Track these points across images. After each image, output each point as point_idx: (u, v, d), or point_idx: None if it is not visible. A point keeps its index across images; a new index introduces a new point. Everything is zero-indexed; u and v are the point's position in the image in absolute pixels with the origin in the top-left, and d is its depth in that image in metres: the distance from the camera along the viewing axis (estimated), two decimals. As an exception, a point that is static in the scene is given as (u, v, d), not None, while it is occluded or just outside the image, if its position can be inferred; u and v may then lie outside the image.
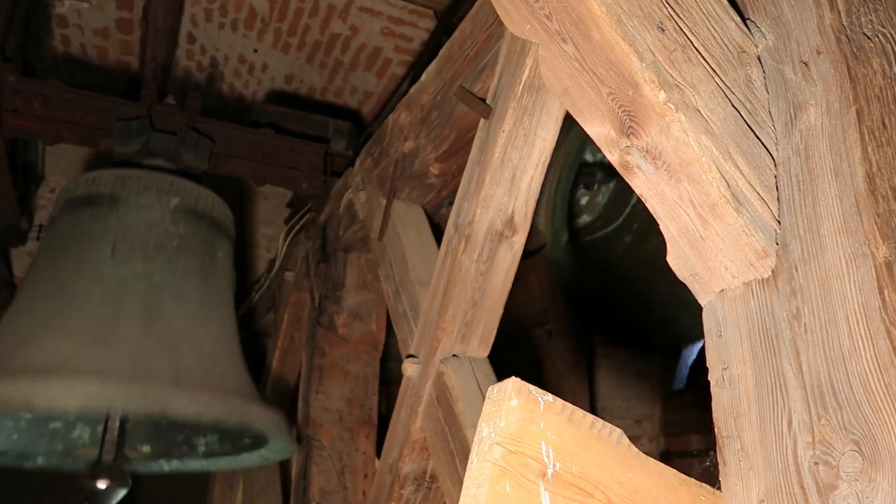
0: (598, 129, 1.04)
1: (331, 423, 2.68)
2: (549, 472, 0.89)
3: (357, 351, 2.80)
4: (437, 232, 2.41)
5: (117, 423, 2.07)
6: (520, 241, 1.77)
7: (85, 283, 2.05)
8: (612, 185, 3.57)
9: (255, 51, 4.31)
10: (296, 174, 3.05)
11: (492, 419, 0.90)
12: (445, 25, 3.52)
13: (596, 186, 3.51)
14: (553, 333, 3.38)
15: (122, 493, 2.00)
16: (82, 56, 4.35)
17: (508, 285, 1.82)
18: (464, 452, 1.64)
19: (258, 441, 2.28)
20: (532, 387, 0.92)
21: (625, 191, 3.54)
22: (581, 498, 0.90)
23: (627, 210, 3.46)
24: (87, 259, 2.11)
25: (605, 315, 3.52)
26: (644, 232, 3.33)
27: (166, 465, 2.58)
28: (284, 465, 3.65)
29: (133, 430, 2.52)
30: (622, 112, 0.99)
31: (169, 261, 2.18)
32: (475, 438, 0.92)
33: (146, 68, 3.50)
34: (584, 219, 3.63)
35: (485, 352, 1.87)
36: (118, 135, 2.58)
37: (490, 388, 0.94)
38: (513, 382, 0.91)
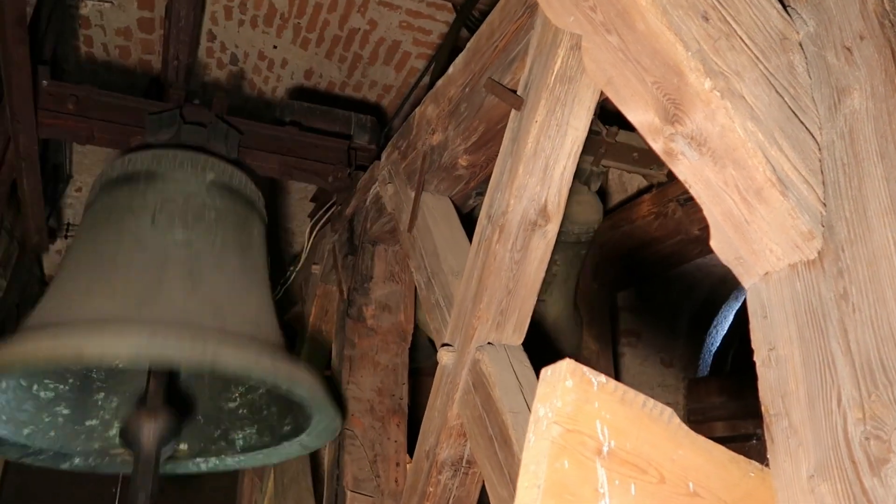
0: (641, 117, 1.07)
1: (362, 413, 2.72)
2: (605, 449, 0.92)
3: (386, 341, 2.84)
4: (465, 223, 2.44)
5: (164, 379, 2.07)
6: (553, 229, 1.80)
7: (127, 252, 2.07)
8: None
9: (275, 47, 4.35)
10: (321, 168, 3.09)
11: (548, 399, 0.94)
12: (464, 17, 3.54)
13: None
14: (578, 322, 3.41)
15: (170, 438, 1.97)
16: (105, 56, 4.40)
17: (542, 274, 1.85)
18: (502, 437, 1.67)
19: (299, 426, 2.28)
20: (585, 368, 0.95)
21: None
22: (635, 474, 0.93)
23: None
24: (127, 229, 2.13)
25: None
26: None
27: (203, 465, 2.55)
28: (314, 456, 3.71)
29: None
30: (667, 100, 1.02)
31: (208, 231, 2.20)
32: (531, 419, 0.95)
33: (169, 67, 3.54)
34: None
35: (519, 339, 1.90)
36: (151, 127, 2.64)
37: (544, 371, 0.98)
38: (567, 364, 0.94)
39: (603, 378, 0.96)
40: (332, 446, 2.79)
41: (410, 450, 2.75)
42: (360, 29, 4.10)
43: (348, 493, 2.58)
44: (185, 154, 2.43)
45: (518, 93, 1.81)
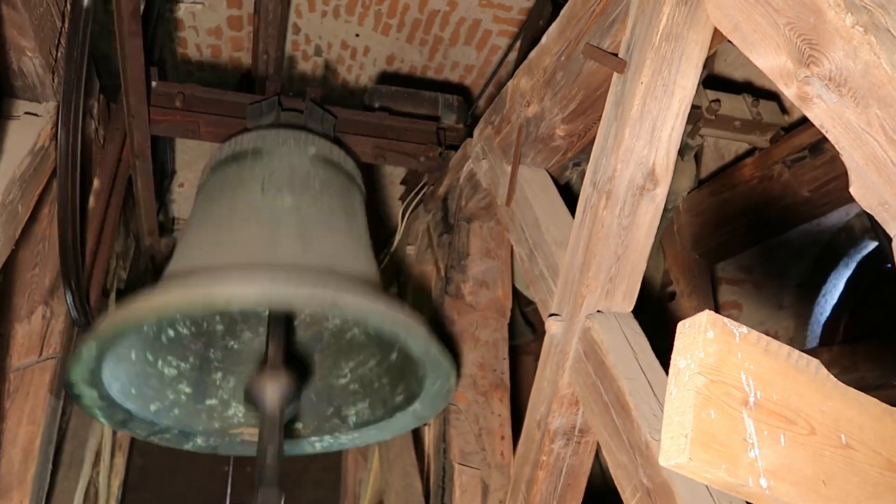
0: (772, 61, 1.03)
1: (465, 388, 2.77)
2: (751, 399, 0.91)
3: (485, 317, 2.86)
4: (563, 193, 2.43)
5: (282, 343, 2.13)
6: (662, 193, 1.77)
7: (241, 218, 2.16)
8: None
9: (357, 35, 4.42)
10: (412, 150, 3.13)
11: (688, 351, 0.93)
12: (549, -11, 3.49)
13: None
14: (677, 294, 3.33)
15: (291, 398, 1.98)
16: (198, 56, 4.60)
17: (651, 239, 1.82)
18: (619, 404, 1.67)
19: (411, 394, 2.31)
20: (726, 319, 0.94)
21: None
22: (784, 425, 0.91)
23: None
24: (239, 199, 2.22)
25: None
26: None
27: (318, 444, 2.58)
28: (416, 433, 3.80)
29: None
30: (801, 41, 0.98)
31: (314, 198, 2.27)
32: (671, 372, 0.95)
33: (259, 62, 3.66)
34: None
35: (629, 307, 1.88)
36: (251, 116, 2.75)
37: (681, 324, 0.97)
38: (707, 315, 0.93)
39: (745, 329, 0.94)
40: (437, 421, 2.85)
41: (513, 424, 2.78)
42: (439, 10, 4.12)
43: (456, 465, 2.63)
44: (287, 132, 2.52)
45: (620, 56, 1.78)
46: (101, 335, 1.86)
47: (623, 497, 1.63)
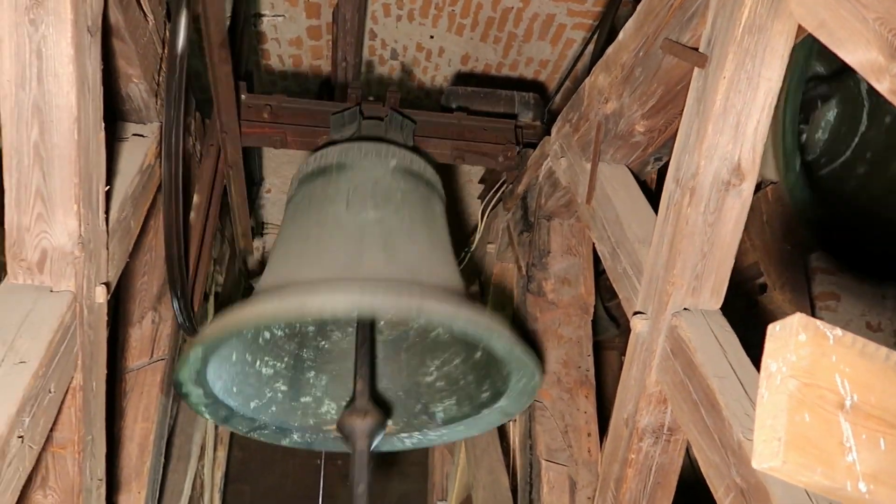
0: (862, 57, 1.01)
1: (549, 385, 2.78)
2: (848, 403, 0.90)
3: (568, 314, 2.87)
4: (644, 190, 2.40)
5: (367, 369, 2.24)
6: (748, 187, 1.73)
7: (328, 232, 2.27)
8: (831, 117, 3.29)
9: (431, 37, 4.49)
10: (490, 149, 3.16)
11: (779, 354, 0.92)
12: (624, -19, 3.44)
13: (817, 116, 3.22)
14: (768, 287, 3.22)
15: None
16: (280, 66, 4.78)
17: (739, 234, 1.79)
18: (709, 402, 1.65)
19: (496, 391, 2.34)
20: (819, 321, 0.93)
21: (851, 120, 3.26)
22: (883, 428, 0.89)
23: (856, 140, 3.17)
24: (326, 213, 2.34)
25: (844, 257, 3.27)
26: (880, 161, 3.04)
27: (408, 441, 2.64)
28: (501, 429, 3.84)
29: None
30: (893, 36, 0.96)
31: (396, 210, 2.36)
32: (762, 375, 0.95)
33: (338, 68, 3.78)
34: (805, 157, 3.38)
35: (717, 304, 1.85)
36: (334, 125, 2.86)
37: (771, 327, 0.96)
38: (798, 318, 0.92)
39: (839, 331, 0.93)
40: (522, 418, 2.88)
41: (599, 420, 2.77)
42: (512, 7, 4.13)
43: (542, 462, 2.66)
44: (368, 145, 2.61)
45: (700, 50, 1.75)
46: (206, 341, 2.00)
47: (716, 496, 1.62)
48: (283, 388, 2.67)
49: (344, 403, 2.58)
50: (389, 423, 2.64)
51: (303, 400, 2.71)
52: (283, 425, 2.62)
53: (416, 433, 2.63)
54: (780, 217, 3.28)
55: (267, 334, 2.61)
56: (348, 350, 2.74)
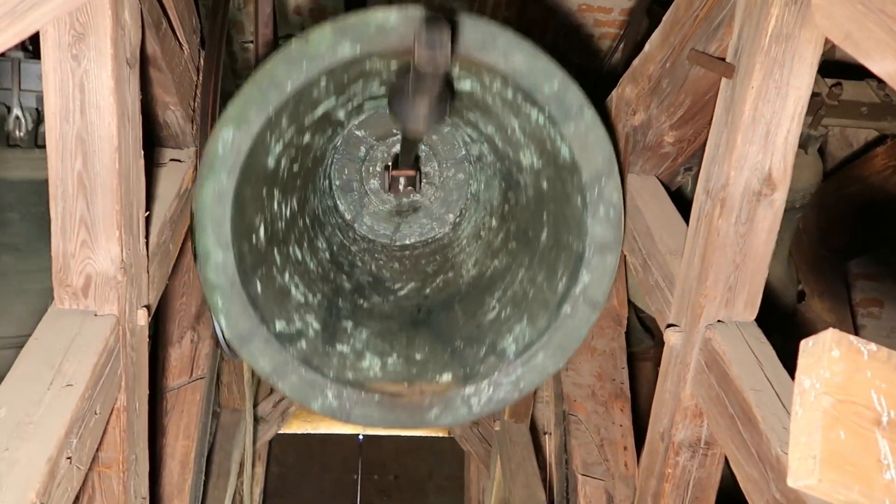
0: (890, 67, 1.01)
1: (584, 398, 2.77)
2: (885, 419, 0.88)
3: (601, 327, 2.85)
4: (675, 200, 2.39)
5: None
6: (780, 197, 1.71)
7: None
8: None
9: (459, 53, 4.51)
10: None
11: (812, 371, 0.92)
12: (649, -9, 3.43)
13: None
14: (807, 295, 3.16)
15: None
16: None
17: (771, 245, 1.77)
18: (745, 416, 1.63)
19: (575, 264, 1.92)
20: (853, 337, 0.92)
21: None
22: (923, 445, 0.88)
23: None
24: None
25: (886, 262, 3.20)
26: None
27: (475, 401, 2.07)
28: (536, 443, 3.83)
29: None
30: (920, 45, 0.95)
31: None
32: (795, 391, 0.94)
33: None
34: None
35: (751, 315, 1.83)
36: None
37: (804, 342, 0.96)
38: (831, 333, 0.92)
39: (873, 346, 0.92)
40: (557, 431, 2.86)
41: (636, 433, 2.75)
42: (538, 19, 4.14)
43: (579, 476, 2.64)
44: None
45: (727, 60, 1.75)
46: (237, 109, 1.69)
47: (755, 512, 1.59)
48: (316, 325, 2.16)
49: (390, 360, 2.14)
50: (449, 377, 2.08)
51: (339, 348, 2.16)
52: (314, 372, 2.02)
53: (485, 384, 2.05)
54: (817, 222, 3.22)
55: (297, 252, 2.26)
56: (389, 313, 2.44)
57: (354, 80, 1.99)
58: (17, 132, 2.19)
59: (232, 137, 1.74)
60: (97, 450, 1.76)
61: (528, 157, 2.12)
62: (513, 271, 2.30)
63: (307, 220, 2.48)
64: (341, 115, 2.30)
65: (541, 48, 1.77)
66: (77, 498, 1.65)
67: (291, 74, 1.74)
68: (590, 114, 1.80)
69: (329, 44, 1.70)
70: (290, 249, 2.27)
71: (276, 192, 2.11)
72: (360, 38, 1.71)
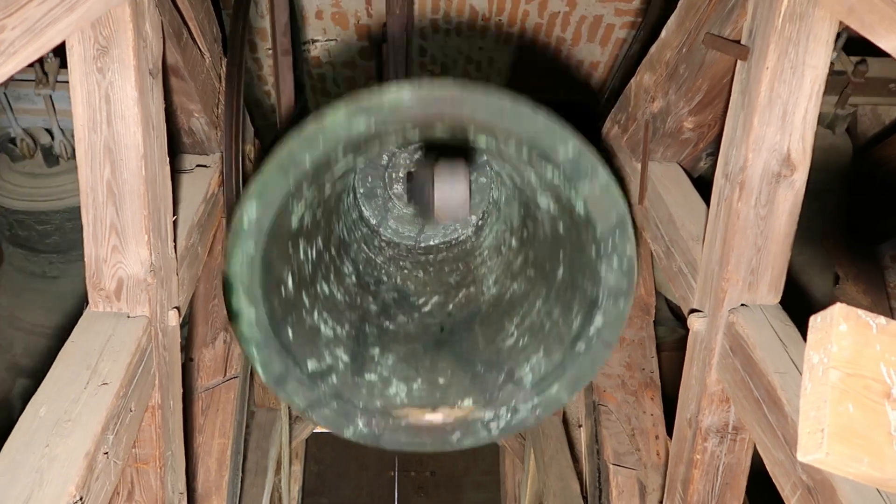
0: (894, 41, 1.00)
1: (614, 388, 2.76)
2: (894, 392, 0.88)
3: (629, 317, 2.82)
4: (698, 186, 2.37)
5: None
6: (800, 178, 1.70)
7: None
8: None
9: (480, 48, 4.54)
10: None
11: (820, 346, 0.91)
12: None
13: None
14: (840, 278, 3.10)
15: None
16: (336, 89, 4.93)
17: (793, 226, 1.75)
18: (771, 399, 1.62)
19: (590, 305, 2.00)
20: (861, 311, 0.92)
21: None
22: (935, 417, 0.87)
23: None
24: None
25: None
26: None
27: (494, 425, 2.20)
28: (569, 435, 3.82)
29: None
30: (923, 15, 0.94)
31: None
32: (804, 367, 0.94)
33: (391, 86, 3.87)
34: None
35: (775, 298, 1.82)
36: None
37: (812, 318, 0.95)
38: (839, 308, 0.91)
39: (882, 320, 0.91)
40: (589, 422, 2.86)
41: (668, 422, 2.73)
42: (559, 12, 4.13)
43: (611, 466, 2.64)
44: None
45: (742, 42, 1.73)
46: (263, 183, 1.77)
47: (782, 495, 1.58)
48: (345, 358, 2.31)
49: (415, 385, 2.30)
50: (471, 402, 2.22)
51: (367, 377, 2.34)
52: (345, 403, 2.21)
53: (503, 410, 2.19)
54: (846, 205, 3.15)
55: (325, 288, 2.38)
56: (414, 334, 2.56)
57: (372, 141, 2.06)
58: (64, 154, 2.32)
59: (256, 212, 1.82)
60: (134, 446, 1.83)
61: (545, 202, 2.19)
62: (530, 300, 2.39)
63: (332, 251, 2.58)
64: (360, 162, 2.45)
65: (555, 115, 1.79)
66: (117, 493, 1.72)
67: (308, 151, 1.82)
68: (604, 175, 1.83)
69: (343, 123, 1.77)
70: (318, 288, 2.38)
71: (300, 243, 2.21)
72: (375, 115, 1.77)
